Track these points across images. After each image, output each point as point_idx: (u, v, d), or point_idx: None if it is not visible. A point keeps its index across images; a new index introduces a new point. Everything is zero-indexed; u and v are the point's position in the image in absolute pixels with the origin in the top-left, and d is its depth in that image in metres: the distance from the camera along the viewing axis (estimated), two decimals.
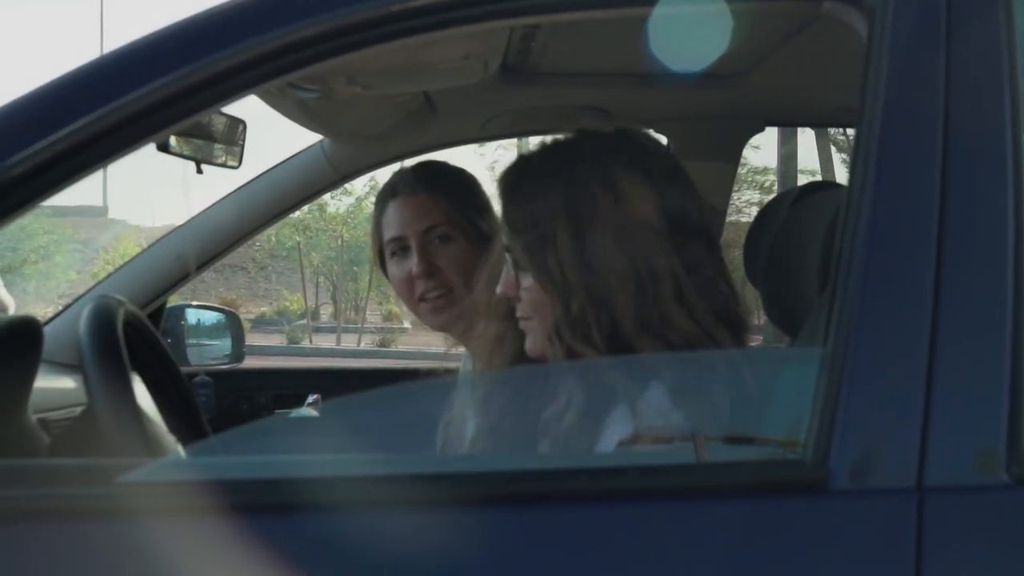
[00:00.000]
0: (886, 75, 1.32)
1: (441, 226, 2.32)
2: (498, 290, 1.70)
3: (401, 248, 2.35)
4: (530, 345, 1.69)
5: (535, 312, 1.66)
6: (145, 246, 2.95)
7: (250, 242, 3.22)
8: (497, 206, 1.73)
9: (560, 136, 1.76)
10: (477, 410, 1.81)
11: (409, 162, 2.64)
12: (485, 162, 17.03)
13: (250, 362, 3.28)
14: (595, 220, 1.61)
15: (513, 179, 1.71)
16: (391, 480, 1.31)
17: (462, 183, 2.42)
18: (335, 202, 21.05)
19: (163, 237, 2.86)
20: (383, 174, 2.73)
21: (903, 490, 1.23)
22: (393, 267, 2.38)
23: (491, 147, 19.66)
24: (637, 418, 1.54)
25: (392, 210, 2.37)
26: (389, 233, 2.37)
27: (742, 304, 1.67)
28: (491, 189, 2.43)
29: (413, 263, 2.31)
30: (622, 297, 1.59)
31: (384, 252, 2.40)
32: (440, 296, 2.31)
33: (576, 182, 1.64)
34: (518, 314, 1.69)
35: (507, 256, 1.69)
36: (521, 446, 1.73)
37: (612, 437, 1.54)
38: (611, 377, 1.60)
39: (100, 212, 33.15)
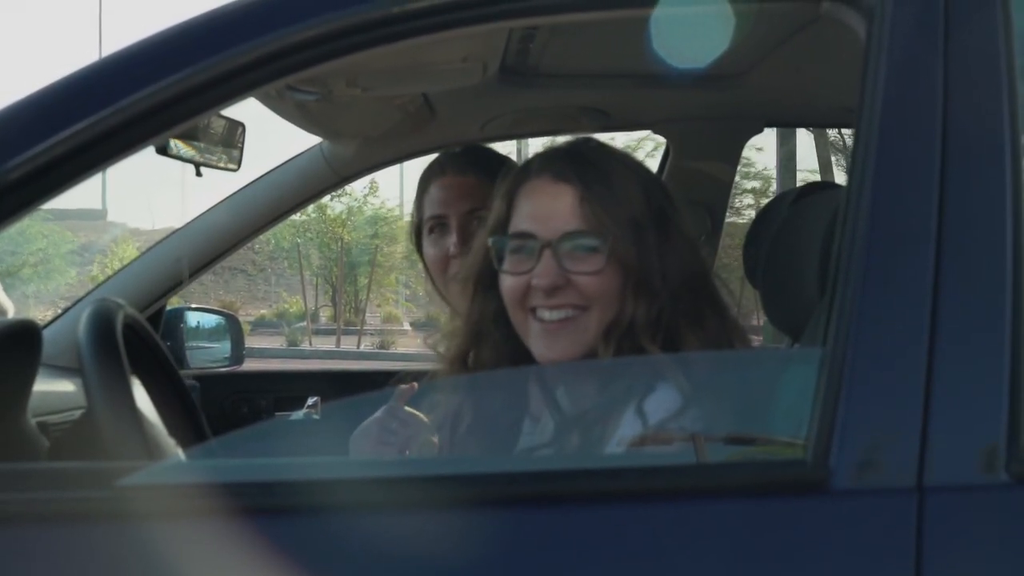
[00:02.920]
0: (885, 75, 1.32)
1: (484, 210, 2.31)
2: (536, 281, 1.65)
3: (440, 226, 2.36)
4: (564, 344, 1.66)
5: (597, 301, 1.64)
6: (144, 249, 2.95)
7: (249, 244, 3.21)
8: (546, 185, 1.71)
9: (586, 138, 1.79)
10: (479, 411, 1.81)
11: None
12: None
13: (250, 365, 3.28)
14: (668, 220, 1.68)
15: (595, 160, 1.70)
16: (391, 482, 1.31)
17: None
18: (334, 204, 21.04)
19: (162, 240, 2.86)
20: (383, 176, 2.75)
21: (903, 489, 1.23)
22: (429, 245, 2.38)
23: None
24: (643, 419, 1.54)
25: (437, 188, 2.38)
26: (431, 210, 2.37)
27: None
28: None
29: (452, 242, 2.32)
30: (683, 296, 1.65)
31: (422, 228, 2.41)
32: None
33: (651, 183, 1.73)
34: (552, 316, 1.66)
35: (538, 243, 1.67)
36: (525, 446, 1.73)
37: (621, 438, 1.54)
38: (620, 378, 1.60)
39: (99, 215, 33.15)
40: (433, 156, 2.70)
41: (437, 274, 2.38)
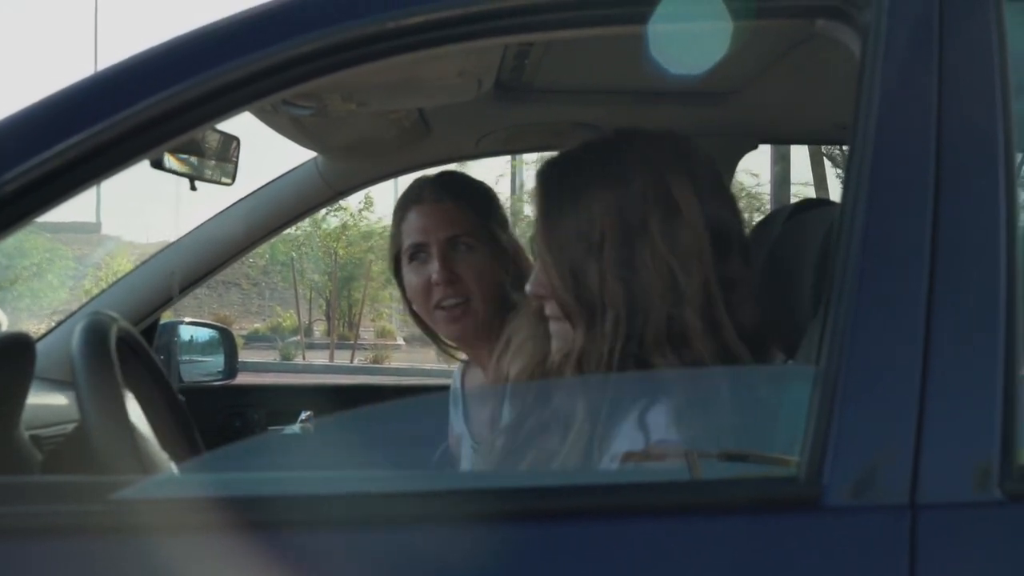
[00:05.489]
0: (879, 92, 1.33)
1: (465, 235, 2.32)
2: (528, 289, 1.67)
3: (421, 254, 2.35)
4: (557, 347, 1.67)
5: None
6: (138, 263, 2.95)
7: (243, 259, 3.22)
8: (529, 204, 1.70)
9: (601, 137, 1.72)
10: (479, 425, 1.81)
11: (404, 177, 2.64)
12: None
13: (243, 378, 3.28)
14: (644, 229, 1.57)
15: (557, 177, 1.67)
16: (385, 497, 1.30)
17: (485, 195, 2.43)
18: (328, 219, 21.05)
19: (156, 254, 2.86)
20: (377, 191, 2.75)
21: (897, 507, 1.23)
22: (410, 273, 2.37)
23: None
24: (636, 435, 1.54)
25: (415, 216, 2.36)
26: (410, 239, 2.36)
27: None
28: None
29: (434, 269, 2.30)
30: (653, 311, 1.56)
31: (401, 258, 2.40)
32: (457, 305, 2.31)
33: (626, 186, 1.58)
34: (547, 313, 1.66)
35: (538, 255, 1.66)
36: (522, 462, 1.73)
37: (615, 454, 1.54)
38: (613, 394, 1.60)
39: (94, 228, 33.19)
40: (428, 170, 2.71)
41: (419, 301, 2.37)
